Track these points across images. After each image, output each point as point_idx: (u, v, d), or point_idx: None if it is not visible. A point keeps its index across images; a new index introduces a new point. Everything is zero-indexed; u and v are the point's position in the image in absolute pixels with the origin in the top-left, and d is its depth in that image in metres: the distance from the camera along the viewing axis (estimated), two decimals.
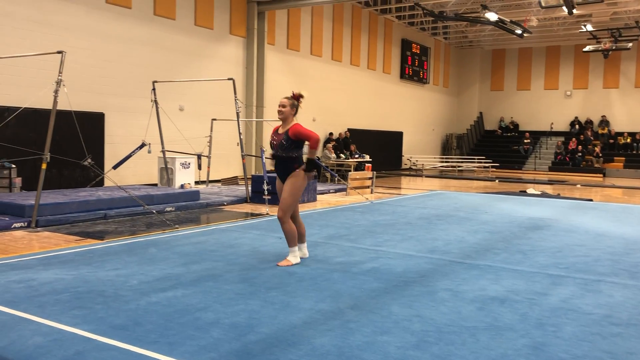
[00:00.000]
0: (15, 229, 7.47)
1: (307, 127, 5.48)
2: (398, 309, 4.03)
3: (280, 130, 5.40)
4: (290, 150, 5.30)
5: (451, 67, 30.35)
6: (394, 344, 3.33)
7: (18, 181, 10.86)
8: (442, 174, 23.36)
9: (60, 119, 8.65)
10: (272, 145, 5.47)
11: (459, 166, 25.85)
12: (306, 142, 5.35)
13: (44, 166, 7.84)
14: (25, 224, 7.60)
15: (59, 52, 7.99)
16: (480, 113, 31.01)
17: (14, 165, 10.74)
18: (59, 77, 7.87)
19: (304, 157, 5.42)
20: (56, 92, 7.84)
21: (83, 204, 8.51)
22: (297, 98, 5.48)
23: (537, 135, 28.41)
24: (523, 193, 14.59)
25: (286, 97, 5.46)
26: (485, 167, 25.63)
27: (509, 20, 18.33)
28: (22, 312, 3.73)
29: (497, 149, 28.38)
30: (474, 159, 26.82)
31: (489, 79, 30.63)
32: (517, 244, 6.88)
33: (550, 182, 19.50)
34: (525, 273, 5.33)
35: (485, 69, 30.69)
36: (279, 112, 5.41)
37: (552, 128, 28.26)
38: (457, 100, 31.24)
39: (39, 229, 7.57)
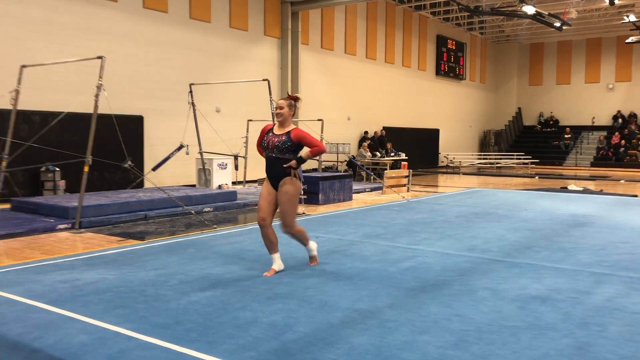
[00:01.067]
0: (60, 230, 7.69)
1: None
2: (437, 308, 3.99)
3: (277, 131, 5.17)
4: (287, 152, 5.08)
5: (488, 63, 29.86)
6: (433, 344, 3.30)
7: (62, 184, 11.19)
8: (480, 171, 23.02)
9: (101, 122, 8.86)
10: (264, 146, 5.15)
11: (497, 163, 25.40)
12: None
13: (86, 169, 8.05)
14: (69, 225, 7.82)
15: (98, 58, 8.19)
16: (519, 108, 30.42)
17: (57, 169, 11.07)
18: (99, 82, 8.06)
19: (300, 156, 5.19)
20: (97, 96, 8.04)
21: (124, 205, 8.71)
22: (294, 99, 5.37)
23: (577, 130, 27.70)
24: (564, 189, 14.25)
25: (283, 99, 5.34)
26: (524, 163, 25.13)
27: (547, 13, 17.94)
28: (68, 311, 3.83)
29: (537, 145, 27.78)
30: (512, 155, 26.32)
31: (527, 73, 30.01)
32: (558, 242, 6.73)
33: (592, 178, 18.99)
34: (568, 271, 5.21)
35: (523, 63, 30.08)
36: (278, 114, 5.20)
37: (593, 122, 27.50)
38: (495, 96, 30.71)
39: (82, 230, 7.78)
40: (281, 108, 5.20)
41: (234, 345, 3.24)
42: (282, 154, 5.07)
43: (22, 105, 9.98)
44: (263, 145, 5.20)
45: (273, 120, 11.50)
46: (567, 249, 6.26)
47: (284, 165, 5.06)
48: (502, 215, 9.14)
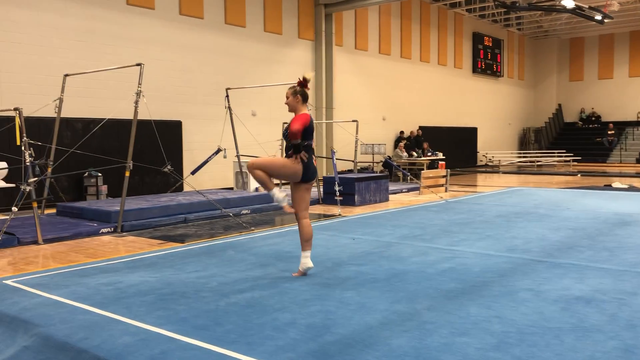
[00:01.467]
0: (103, 234, 7.90)
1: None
2: (476, 310, 3.93)
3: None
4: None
5: (526, 59, 29.29)
6: (473, 345, 3.25)
7: (104, 188, 11.49)
8: (519, 170, 22.59)
9: (140, 128, 9.07)
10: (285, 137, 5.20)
11: (537, 161, 24.86)
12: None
13: (127, 174, 8.24)
14: (112, 229, 8.02)
15: (137, 65, 8.37)
16: (559, 105, 29.73)
17: (100, 174, 11.37)
18: (139, 89, 8.25)
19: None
20: (136, 102, 8.22)
21: (164, 208, 8.88)
22: (300, 84, 5.14)
23: (622, 126, 26.88)
24: (608, 187, 13.85)
25: (291, 87, 5.17)
26: (566, 161, 24.55)
27: (587, 7, 17.48)
28: (111, 313, 3.93)
29: (579, 142, 27.08)
30: (553, 153, 25.74)
31: (567, 69, 29.31)
32: (602, 241, 6.54)
33: (638, 175, 18.39)
34: (613, 271, 5.06)
35: (563, 58, 29.38)
36: (286, 104, 5.14)
37: (639, 118, 26.64)
38: (534, 93, 30.10)
39: (124, 233, 7.97)
40: (286, 97, 5.12)
41: (273, 346, 3.26)
42: (288, 142, 4.99)
43: (65, 113, 10.29)
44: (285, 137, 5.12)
45: None
46: (612, 249, 6.09)
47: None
48: (544, 214, 8.95)
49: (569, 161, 24.30)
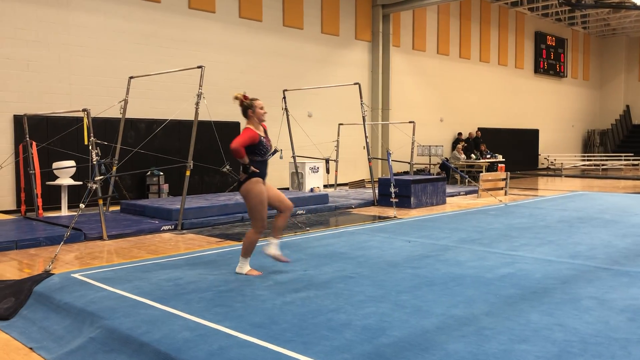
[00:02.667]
0: (164, 231, 8.14)
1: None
2: (537, 317, 3.81)
3: (263, 134, 5.32)
4: None
5: (592, 58, 28.19)
6: (534, 353, 3.16)
7: (165, 187, 11.85)
8: (583, 174, 21.75)
9: (201, 129, 9.29)
10: (265, 149, 5.31)
11: (603, 164, 23.87)
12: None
13: (187, 173, 8.47)
14: (173, 226, 8.26)
15: (198, 67, 8.59)
16: (627, 106, 28.45)
17: (162, 173, 11.74)
18: (200, 90, 8.46)
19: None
20: (197, 104, 8.44)
21: (222, 207, 9.07)
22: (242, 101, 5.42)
23: None
24: None
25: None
26: (634, 164, 23.45)
27: None
28: (172, 308, 4.05)
29: None
30: (620, 156, 24.64)
31: (637, 68, 28.01)
32: None
33: None
34: None
35: (632, 57, 28.09)
36: (265, 113, 5.38)
37: None
38: (600, 94, 28.93)
39: (184, 231, 8.19)
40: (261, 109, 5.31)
41: (329, 346, 3.27)
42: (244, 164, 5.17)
43: (130, 114, 10.68)
44: (264, 149, 5.25)
45: (364, 123, 11.54)
46: None
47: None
48: (609, 220, 8.58)
49: (637, 165, 23.19)
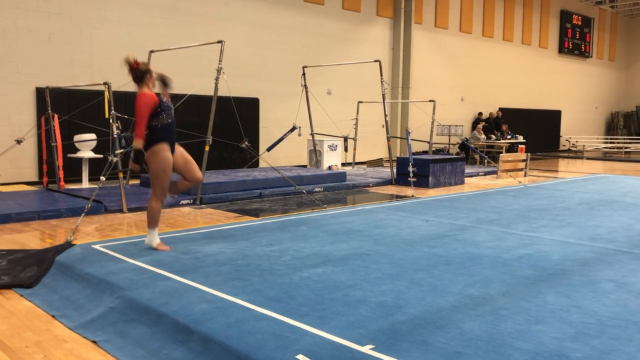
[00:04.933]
0: (183, 205, 8.22)
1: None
2: (554, 298, 3.80)
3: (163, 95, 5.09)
4: None
5: (619, 38, 27.52)
6: (550, 334, 3.15)
7: None
8: (606, 156, 21.42)
9: (220, 104, 9.30)
10: (168, 112, 5.01)
11: (626, 147, 23.45)
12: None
13: (207, 148, 8.51)
14: (191, 201, 8.34)
15: (218, 42, 8.56)
16: None
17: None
18: (219, 66, 8.45)
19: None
20: (217, 79, 8.43)
21: (241, 183, 9.12)
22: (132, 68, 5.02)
23: None
24: None
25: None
26: None
27: None
28: (190, 281, 4.11)
29: None
30: None
31: None
32: None
33: None
34: None
35: None
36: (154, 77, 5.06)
37: None
38: (626, 75, 28.30)
39: (203, 205, 8.27)
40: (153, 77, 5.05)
41: (344, 322, 3.30)
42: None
43: None
44: (164, 113, 4.97)
45: (383, 101, 11.45)
46: None
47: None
48: (631, 203, 8.46)
49: None
